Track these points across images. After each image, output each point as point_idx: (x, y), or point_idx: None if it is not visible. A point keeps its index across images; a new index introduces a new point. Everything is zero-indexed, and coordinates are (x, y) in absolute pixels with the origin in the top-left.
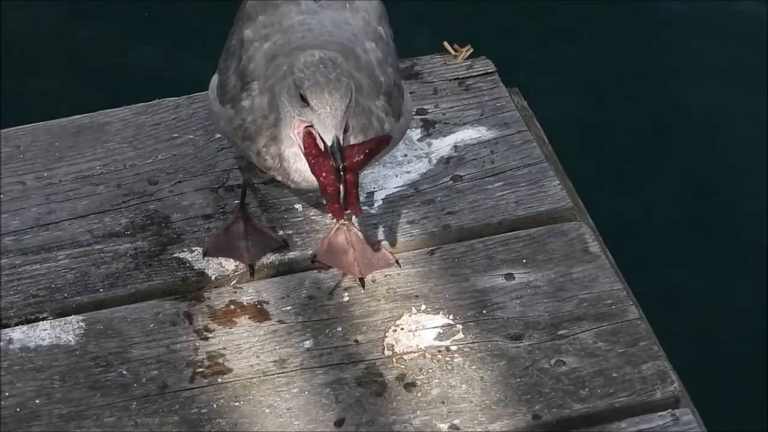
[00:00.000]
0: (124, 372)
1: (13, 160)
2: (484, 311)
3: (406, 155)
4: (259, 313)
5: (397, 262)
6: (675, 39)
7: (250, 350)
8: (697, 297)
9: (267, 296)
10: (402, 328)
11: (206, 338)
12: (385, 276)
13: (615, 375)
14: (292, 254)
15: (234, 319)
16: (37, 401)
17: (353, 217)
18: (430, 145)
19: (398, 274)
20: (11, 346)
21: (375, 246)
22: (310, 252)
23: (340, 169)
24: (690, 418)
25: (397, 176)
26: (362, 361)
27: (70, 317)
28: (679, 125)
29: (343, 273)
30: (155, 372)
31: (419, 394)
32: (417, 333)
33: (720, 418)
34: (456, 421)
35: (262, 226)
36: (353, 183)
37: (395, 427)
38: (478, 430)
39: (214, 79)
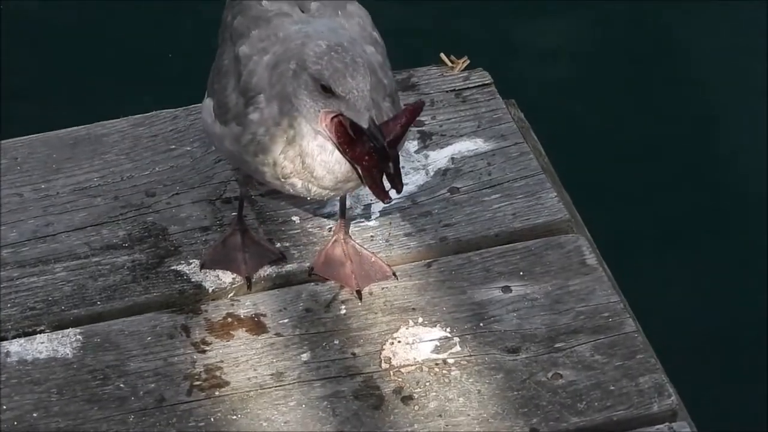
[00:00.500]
0: (122, 385)
1: (11, 172)
2: (481, 324)
3: (403, 167)
4: (257, 325)
5: (394, 274)
6: (673, 51)
7: (248, 363)
8: (695, 310)
9: (264, 309)
10: (399, 341)
11: (203, 351)
12: (383, 288)
13: (612, 388)
14: (289, 267)
15: (231, 332)
16: (34, 414)
17: (350, 228)
18: (427, 157)
19: (395, 286)
20: (8, 359)
21: (372, 258)
22: (308, 264)
23: (384, 147)
24: (687, 431)
25: None
26: (359, 374)
27: (68, 330)
28: (677, 136)
29: (340, 285)
30: (153, 385)
31: (416, 408)
32: (414, 346)
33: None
34: None
35: (260, 239)
36: (396, 158)
37: None
38: None
39: (208, 103)
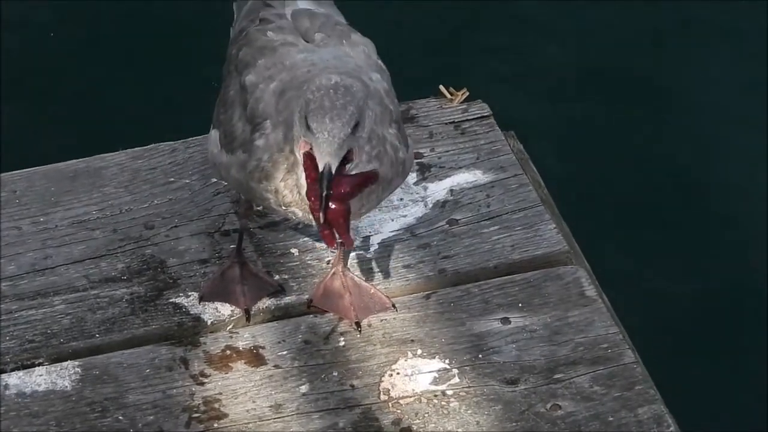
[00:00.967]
0: (121, 417)
1: (9, 205)
2: (480, 355)
3: (402, 199)
4: (255, 358)
5: (393, 306)
6: (674, 82)
7: (246, 395)
8: (694, 340)
9: (263, 341)
10: (398, 373)
11: (202, 383)
12: (381, 320)
13: (611, 419)
14: (288, 299)
15: (230, 364)
16: None
17: (349, 260)
18: (425, 188)
19: (394, 318)
20: (7, 392)
21: (371, 290)
22: (306, 296)
23: (323, 198)
24: None
25: (393, 220)
26: (358, 405)
27: (66, 363)
28: (679, 168)
29: (339, 317)
30: (151, 417)
31: None
32: (413, 377)
33: None
34: None
35: (258, 271)
36: (341, 213)
37: None
38: None
39: (214, 134)
